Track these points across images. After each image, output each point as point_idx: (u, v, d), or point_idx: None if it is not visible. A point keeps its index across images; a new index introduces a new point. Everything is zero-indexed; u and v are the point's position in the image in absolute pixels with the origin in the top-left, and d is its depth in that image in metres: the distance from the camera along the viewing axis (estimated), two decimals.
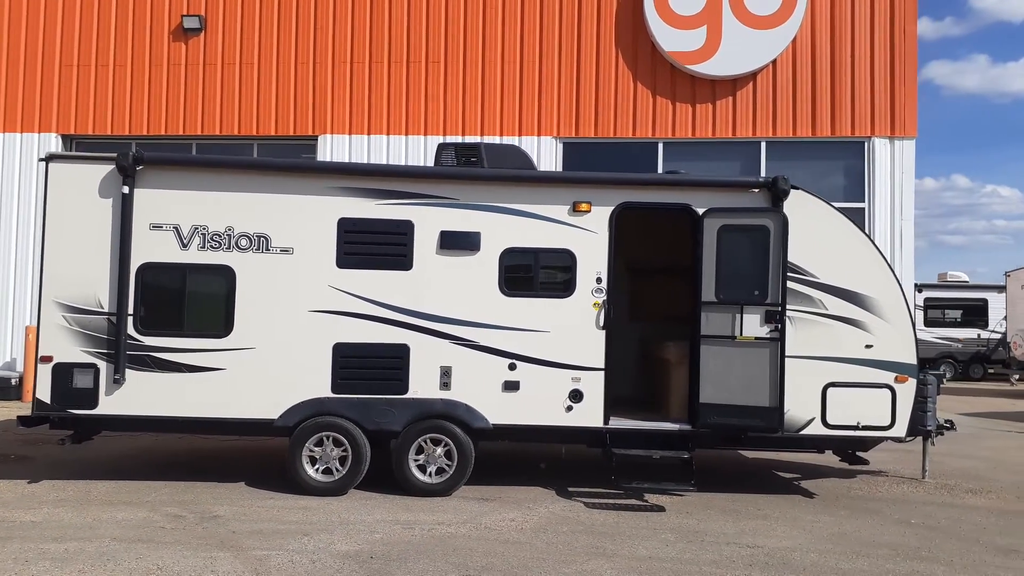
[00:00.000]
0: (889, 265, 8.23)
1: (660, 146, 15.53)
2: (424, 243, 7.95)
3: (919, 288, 25.81)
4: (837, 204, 14.51)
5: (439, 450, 7.92)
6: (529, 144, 15.36)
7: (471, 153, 8.64)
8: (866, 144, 15.12)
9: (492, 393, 7.92)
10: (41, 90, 16.21)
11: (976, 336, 25.18)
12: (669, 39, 15.19)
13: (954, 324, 25.77)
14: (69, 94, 16.20)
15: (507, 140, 15.44)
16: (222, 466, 9.19)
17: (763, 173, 14.87)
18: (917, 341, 8.20)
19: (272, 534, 6.49)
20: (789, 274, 7.95)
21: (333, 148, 15.75)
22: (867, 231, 14.71)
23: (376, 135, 15.76)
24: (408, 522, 6.95)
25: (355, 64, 15.89)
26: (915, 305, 25.53)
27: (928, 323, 25.46)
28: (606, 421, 7.99)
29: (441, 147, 8.80)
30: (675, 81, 15.51)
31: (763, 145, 15.40)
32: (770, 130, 15.39)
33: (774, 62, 15.24)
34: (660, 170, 15.06)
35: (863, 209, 15.02)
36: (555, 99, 15.62)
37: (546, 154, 15.49)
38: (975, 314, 25.54)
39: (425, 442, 7.91)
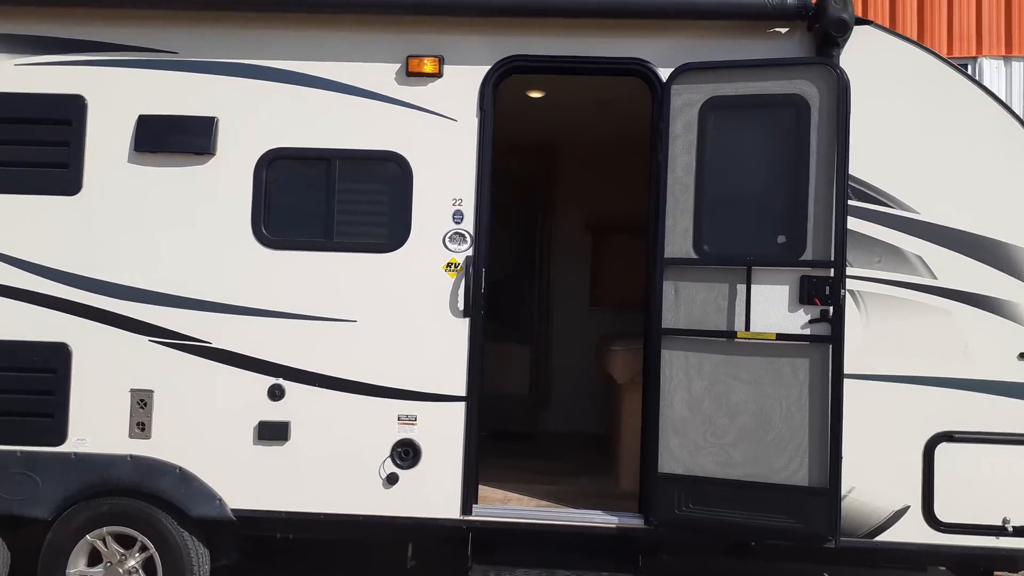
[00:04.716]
0: None
1: None
2: (105, 141, 3.99)
3: None
4: None
5: (131, 560, 3.94)
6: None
7: None
8: (971, 67, 10.69)
9: (234, 445, 3.90)
10: None
11: None
12: None
13: None
14: None
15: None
16: None
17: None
18: None
19: None
20: (854, 204, 3.76)
21: None
22: None
23: None
24: None
25: None
26: None
27: None
28: (467, 506, 3.89)
29: None
30: None
31: None
32: None
33: None
34: None
35: None
36: None
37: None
38: None
39: (104, 541, 3.95)
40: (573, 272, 6.58)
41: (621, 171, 5.97)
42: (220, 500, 3.88)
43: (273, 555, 4.92)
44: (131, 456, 3.91)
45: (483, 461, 4.45)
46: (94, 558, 3.97)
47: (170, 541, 3.89)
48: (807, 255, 3.66)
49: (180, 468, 3.90)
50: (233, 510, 3.88)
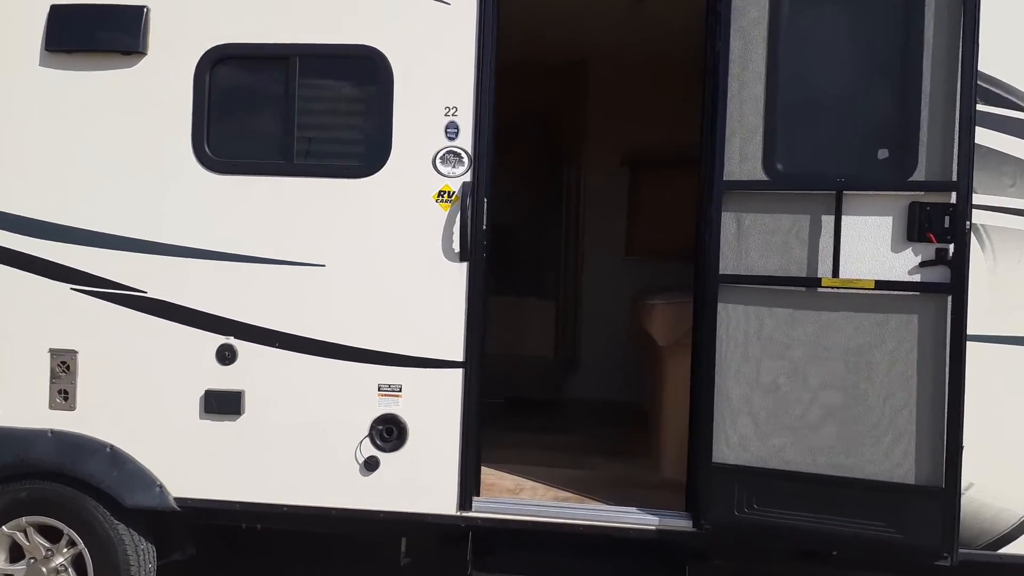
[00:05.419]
0: None
1: None
2: (11, 38, 3.16)
3: None
4: None
5: (58, 557, 3.22)
6: None
7: None
8: None
9: (176, 420, 3.12)
10: None
11: None
12: None
13: None
14: None
15: None
16: None
17: None
18: None
19: None
20: (981, 108, 2.79)
21: None
22: None
23: None
24: None
25: None
26: None
27: None
28: (466, 498, 3.07)
29: None
30: None
31: None
32: None
33: None
34: None
35: None
36: None
37: None
38: None
39: (25, 534, 3.23)
40: (607, 215, 5.63)
41: (665, 91, 4.99)
42: (160, 487, 3.12)
43: (246, 544, 4.20)
44: (52, 431, 3.16)
45: (495, 437, 3.67)
46: (17, 552, 3.27)
47: (101, 535, 3.16)
48: (919, 174, 2.71)
49: (111, 447, 3.14)
50: (177, 499, 3.13)
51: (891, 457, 2.69)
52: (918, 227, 2.71)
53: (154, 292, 3.13)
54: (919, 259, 2.72)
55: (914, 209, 2.72)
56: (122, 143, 3.14)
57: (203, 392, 3.11)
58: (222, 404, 3.10)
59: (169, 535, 3.36)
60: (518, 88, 5.01)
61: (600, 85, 5.48)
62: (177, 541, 3.40)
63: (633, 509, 3.07)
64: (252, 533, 3.43)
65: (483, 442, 3.20)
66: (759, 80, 2.83)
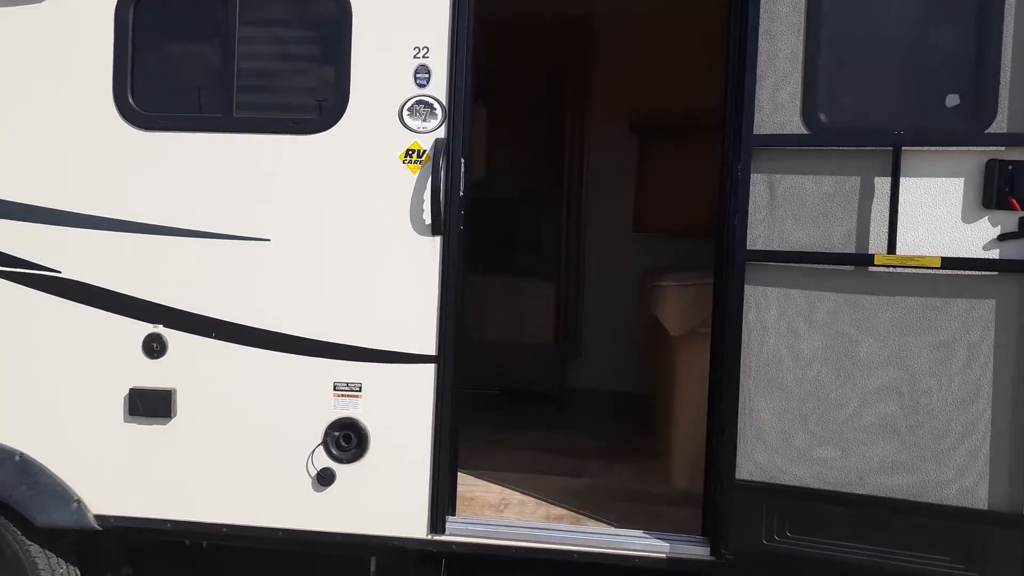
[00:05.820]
0: None
1: None
2: None
3: None
4: None
5: None
6: None
7: None
8: None
9: (97, 423, 2.64)
10: None
11: None
12: None
13: None
14: None
15: None
16: None
17: None
18: None
19: None
20: None
21: None
22: None
23: None
24: None
25: None
26: None
27: None
28: (438, 519, 2.58)
29: None
30: None
31: None
32: None
33: None
34: None
35: None
36: None
37: None
38: None
39: None
40: (612, 187, 5.09)
41: (680, 48, 4.43)
42: (78, 502, 2.65)
43: (194, 558, 3.72)
44: None
45: (485, 435, 3.22)
46: None
47: (9, 557, 2.69)
48: (999, 125, 2.18)
49: (21, 455, 2.66)
50: (97, 516, 2.65)
51: (961, 477, 2.18)
52: (997, 190, 2.18)
53: (70, 272, 2.63)
54: (997, 230, 2.19)
55: (992, 168, 2.18)
56: (30, 93, 2.63)
57: (127, 391, 2.61)
58: (149, 405, 2.60)
59: (98, 554, 2.90)
60: (515, 46, 4.51)
61: (607, 46, 4.91)
62: (108, 561, 2.93)
63: (639, 532, 2.56)
64: (199, 547, 2.97)
65: (470, 442, 2.75)
66: (798, 10, 2.29)
